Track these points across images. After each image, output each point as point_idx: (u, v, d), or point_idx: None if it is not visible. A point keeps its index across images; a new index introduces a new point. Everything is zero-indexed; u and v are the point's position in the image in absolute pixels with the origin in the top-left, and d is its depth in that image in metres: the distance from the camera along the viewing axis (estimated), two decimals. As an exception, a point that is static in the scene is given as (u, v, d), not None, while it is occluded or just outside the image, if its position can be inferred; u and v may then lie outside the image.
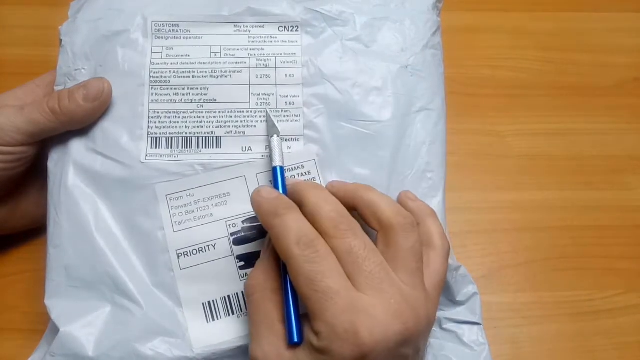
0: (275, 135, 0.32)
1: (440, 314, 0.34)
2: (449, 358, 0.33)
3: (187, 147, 0.33)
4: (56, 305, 0.31)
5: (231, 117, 0.34)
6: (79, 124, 0.33)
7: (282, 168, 0.31)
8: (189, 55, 0.34)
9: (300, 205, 0.28)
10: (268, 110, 0.33)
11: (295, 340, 0.26)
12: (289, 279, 0.27)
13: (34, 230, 0.38)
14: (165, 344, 0.31)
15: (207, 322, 0.32)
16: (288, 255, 0.26)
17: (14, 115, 0.32)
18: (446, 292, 0.34)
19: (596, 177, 0.43)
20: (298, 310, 0.27)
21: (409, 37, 0.35)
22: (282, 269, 0.28)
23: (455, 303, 0.34)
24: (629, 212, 0.42)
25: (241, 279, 0.32)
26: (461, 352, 0.33)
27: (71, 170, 0.33)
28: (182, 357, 0.31)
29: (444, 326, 0.34)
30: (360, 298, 0.26)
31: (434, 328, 0.33)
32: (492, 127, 0.45)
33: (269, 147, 0.32)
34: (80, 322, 0.31)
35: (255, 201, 0.29)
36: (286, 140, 0.33)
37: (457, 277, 0.34)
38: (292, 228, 0.27)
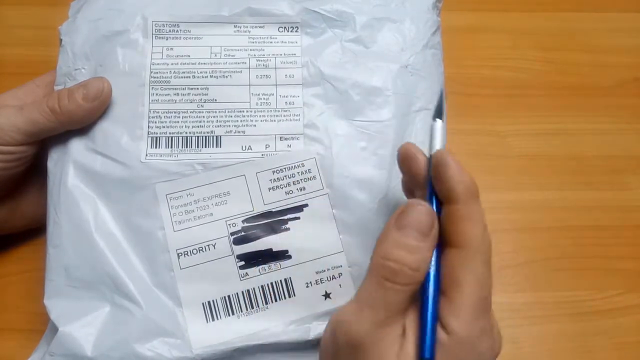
0: (439, 120, 0.28)
1: None
2: None
3: (187, 147, 0.33)
4: (55, 305, 0.31)
5: (231, 116, 0.34)
6: (79, 123, 0.33)
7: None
8: (189, 56, 0.34)
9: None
10: (442, 91, 0.30)
11: (427, 356, 0.24)
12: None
13: (34, 230, 0.38)
14: (165, 344, 0.31)
15: (207, 322, 0.32)
16: (468, 244, 0.24)
17: (14, 115, 0.32)
18: None
19: (596, 177, 0.43)
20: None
21: (409, 37, 0.35)
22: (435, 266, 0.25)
23: None
24: (629, 212, 0.42)
25: (241, 278, 0.32)
26: None
27: (71, 170, 0.33)
28: (182, 358, 0.31)
29: None
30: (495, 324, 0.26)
31: None
32: (492, 127, 0.45)
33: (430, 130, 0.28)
34: (80, 322, 0.31)
35: (448, 164, 0.25)
36: (286, 139, 0.33)
37: None
38: (482, 219, 0.25)
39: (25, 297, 0.37)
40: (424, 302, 0.24)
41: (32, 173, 0.35)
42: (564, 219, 0.42)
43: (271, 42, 0.35)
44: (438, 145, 0.27)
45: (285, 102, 0.34)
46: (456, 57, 0.46)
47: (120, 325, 0.31)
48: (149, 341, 0.31)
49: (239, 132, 0.33)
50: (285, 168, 0.33)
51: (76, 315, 0.31)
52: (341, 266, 0.32)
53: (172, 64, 0.34)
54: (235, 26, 0.35)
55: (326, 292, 0.32)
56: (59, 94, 0.32)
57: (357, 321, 0.24)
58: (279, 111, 0.34)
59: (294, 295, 0.32)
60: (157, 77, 0.34)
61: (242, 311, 0.32)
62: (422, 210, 0.25)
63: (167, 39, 0.34)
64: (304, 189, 0.33)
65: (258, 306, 0.32)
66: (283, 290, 0.32)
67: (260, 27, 0.35)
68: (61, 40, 0.35)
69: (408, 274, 0.24)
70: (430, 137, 0.28)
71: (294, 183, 0.33)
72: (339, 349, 0.25)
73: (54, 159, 0.33)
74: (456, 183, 0.25)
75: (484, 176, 0.43)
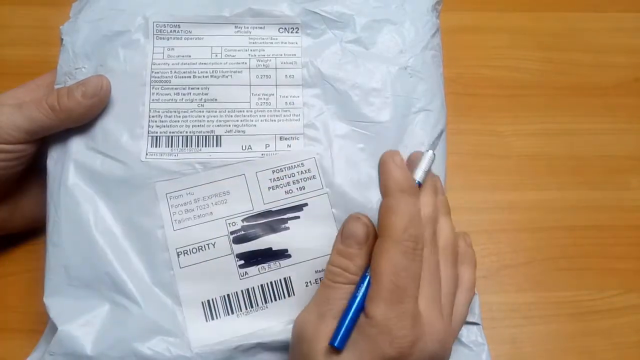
0: (431, 151, 0.29)
1: None
2: None
3: (187, 146, 0.33)
4: (55, 304, 0.31)
5: (231, 116, 0.34)
6: (78, 120, 0.33)
7: (418, 184, 0.29)
8: (190, 56, 0.34)
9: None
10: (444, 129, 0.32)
11: (337, 345, 0.26)
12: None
13: (34, 230, 0.38)
14: (164, 342, 0.31)
15: (207, 321, 0.32)
16: (389, 234, 0.26)
17: (13, 113, 0.32)
18: None
19: (596, 177, 0.43)
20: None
21: (408, 39, 0.35)
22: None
23: None
24: (629, 212, 0.42)
25: (241, 277, 0.32)
26: (460, 352, 0.33)
27: (71, 169, 0.33)
28: (181, 356, 0.31)
29: None
30: (426, 315, 0.27)
31: None
32: (492, 127, 0.45)
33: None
34: (79, 320, 0.31)
35: (386, 162, 0.27)
36: (286, 139, 0.34)
37: None
38: (409, 212, 0.27)
39: (25, 297, 0.37)
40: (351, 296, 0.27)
41: (32, 173, 0.35)
42: (564, 219, 0.42)
43: (271, 43, 0.35)
44: (420, 172, 0.29)
45: (285, 102, 0.34)
46: (456, 57, 0.46)
47: (119, 324, 0.31)
48: (148, 340, 0.31)
49: (239, 131, 0.34)
50: (285, 168, 0.33)
51: (75, 314, 0.31)
52: None
53: (172, 63, 0.34)
54: (236, 27, 0.35)
55: None
56: (58, 92, 0.33)
57: (304, 315, 0.28)
58: (279, 111, 0.34)
59: (294, 294, 0.32)
60: (158, 77, 0.34)
61: (241, 310, 0.32)
62: (359, 224, 0.28)
63: (168, 39, 0.35)
64: (304, 188, 0.33)
65: (257, 305, 0.32)
66: (282, 290, 0.32)
67: (260, 27, 0.35)
68: (62, 39, 0.35)
69: (346, 275, 0.28)
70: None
71: (293, 182, 0.33)
72: (294, 342, 0.28)
73: (54, 158, 0.33)
74: (387, 179, 0.27)
75: (484, 176, 0.43)
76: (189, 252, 0.32)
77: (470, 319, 0.34)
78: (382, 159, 0.28)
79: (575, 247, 0.41)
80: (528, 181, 0.43)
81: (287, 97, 0.34)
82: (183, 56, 0.34)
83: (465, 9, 0.49)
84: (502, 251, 0.41)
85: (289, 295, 0.32)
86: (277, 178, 0.33)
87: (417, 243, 0.27)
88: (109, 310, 0.31)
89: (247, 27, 0.35)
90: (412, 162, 0.30)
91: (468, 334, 0.34)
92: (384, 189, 0.27)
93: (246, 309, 0.32)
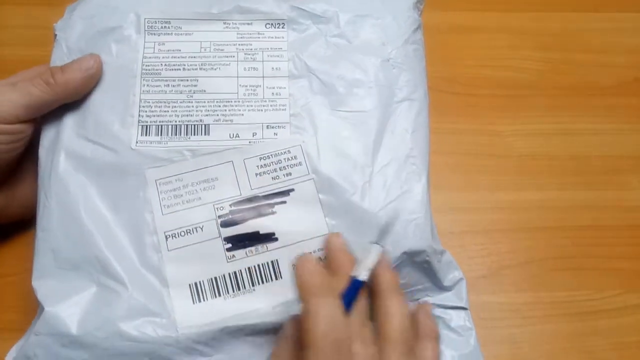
0: (378, 244, 0.30)
1: (428, 299, 0.35)
2: None
3: (176, 135, 0.34)
4: (42, 286, 0.32)
5: (219, 106, 0.35)
6: (74, 94, 0.34)
7: (360, 283, 0.29)
8: (180, 50, 0.36)
9: (375, 294, 0.29)
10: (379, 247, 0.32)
11: None
12: None
13: (34, 230, 0.38)
14: (150, 323, 0.31)
15: (194, 303, 0.32)
16: (308, 344, 0.25)
17: (7, 91, 0.32)
18: (433, 278, 0.34)
19: (596, 177, 0.43)
20: None
21: (390, 32, 0.37)
22: None
23: (442, 288, 0.35)
24: (629, 212, 0.42)
25: (228, 260, 0.32)
26: (449, 338, 0.34)
27: (62, 156, 0.33)
28: (167, 337, 0.31)
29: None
30: None
31: None
32: (492, 127, 0.45)
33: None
34: (66, 302, 0.31)
35: (298, 269, 0.28)
36: (273, 127, 0.35)
37: (442, 262, 0.34)
38: (325, 316, 0.26)
39: (25, 297, 0.37)
40: None
41: (28, 161, 0.36)
42: (563, 219, 0.42)
43: (258, 37, 0.36)
44: (361, 269, 0.29)
45: (272, 93, 0.35)
46: (456, 57, 0.46)
47: (106, 305, 0.31)
48: (134, 320, 0.31)
49: (226, 120, 0.35)
50: (271, 155, 0.34)
51: (62, 295, 0.32)
52: None
53: (163, 57, 0.36)
54: (224, 23, 0.36)
55: None
56: (51, 69, 0.33)
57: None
58: (265, 101, 0.35)
59: (281, 277, 0.32)
60: (149, 69, 0.35)
61: (228, 293, 0.32)
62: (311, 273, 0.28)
63: (159, 35, 0.36)
64: (290, 174, 0.34)
65: (245, 288, 0.32)
66: (269, 272, 0.33)
67: (248, 24, 0.36)
68: (56, 35, 0.36)
69: None
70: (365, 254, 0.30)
71: (280, 169, 0.34)
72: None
73: (45, 147, 0.34)
74: (300, 284, 0.28)
75: (484, 176, 0.43)
76: (177, 236, 0.32)
77: (458, 303, 0.34)
78: (296, 264, 0.28)
79: (575, 247, 0.41)
80: (528, 181, 0.43)
81: (273, 88, 0.35)
82: (173, 50, 0.36)
83: (465, 9, 0.49)
84: (502, 251, 0.41)
85: (276, 278, 0.32)
86: (264, 165, 0.34)
87: (341, 347, 0.25)
88: (96, 292, 0.32)
89: (235, 23, 0.36)
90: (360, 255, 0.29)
91: (457, 319, 0.34)
92: (299, 295, 0.27)
93: (233, 291, 0.32)
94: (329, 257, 0.30)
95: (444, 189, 0.42)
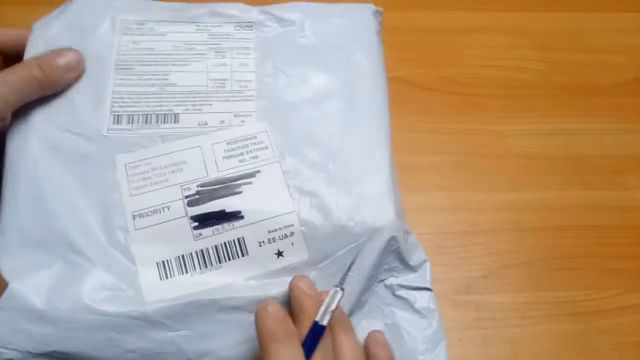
0: (339, 287, 0.31)
1: (393, 280, 0.35)
2: (399, 326, 0.34)
3: (146, 123, 0.35)
4: (8, 262, 0.32)
5: (189, 97, 0.36)
6: (57, 83, 0.34)
7: (321, 327, 0.29)
8: (152, 49, 0.37)
9: (334, 334, 0.29)
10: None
11: None
12: None
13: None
14: (117, 298, 0.31)
15: (161, 279, 0.32)
16: None
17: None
18: (399, 257, 0.35)
19: (596, 177, 0.43)
20: None
21: (351, 37, 0.38)
22: None
23: (408, 268, 0.35)
24: (629, 212, 0.42)
25: (195, 239, 0.33)
26: (411, 319, 0.34)
27: (32, 140, 0.34)
28: (134, 311, 0.31)
29: (397, 293, 0.35)
30: None
31: (387, 294, 0.34)
32: (492, 127, 0.45)
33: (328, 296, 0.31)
34: (31, 277, 0.31)
35: (258, 314, 0.28)
36: (240, 116, 0.36)
37: (408, 242, 0.35)
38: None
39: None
40: None
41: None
42: (564, 219, 0.42)
43: (228, 38, 0.38)
44: (327, 310, 0.29)
45: (240, 86, 0.37)
46: (456, 57, 0.46)
47: (72, 280, 0.31)
48: (100, 294, 0.31)
49: (196, 110, 0.36)
50: (239, 139, 0.35)
51: (28, 270, 0.31)
52: (293, 225, 0.33)
53: (137, 54, 0.37)
54: (196, 25, 0.38)
55: (279, 250, 0.33)
56: (41, 66, 0.33)
57: None
58: (233, 93, 0.36)
59: (247, 254, 0.33)
60: (122, 65, 0.36)
61: (195, 270, 0.32)
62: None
63: (133, 35, 0.37)
64: (257, 157, 0.34)
65: (212, 265, 0.32)
66: (236, 249, 0.33)
67: (218, 26, 0.38)
68: (33, 33, 0.36)
69: None
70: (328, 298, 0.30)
71: (247, 152, 0.35)
72: None
73: (13, 130, 0.34)
74: (259, 330, 0.28)
75: (484, 176, 0.43)
76: (144, 215, 0.33)
77: (422, 284, 0.34)
78: (257, 308, 0.28)
79: (575, 247, 0.41)
80: (528, 181, 0.43)
81: (241, 81, 0.37)
82: (147, 48, 0.37)
83: (465, 9, 0.49)
84: (502, 251, 0.41)
85: (242, 255, 0.33)
86: (232, 149, 0.35)
87: None
88: (62, 268, 0.32)
89: (207, 25, 0.38)
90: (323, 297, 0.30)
91: (420, 300, 0.34)
92: (259, 340, 0.28)
93: (200, 268, 0.32)
94: (293, 301, 0.31)
95: (444, 189, 0.42)
